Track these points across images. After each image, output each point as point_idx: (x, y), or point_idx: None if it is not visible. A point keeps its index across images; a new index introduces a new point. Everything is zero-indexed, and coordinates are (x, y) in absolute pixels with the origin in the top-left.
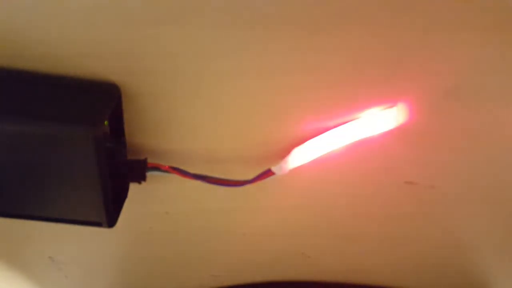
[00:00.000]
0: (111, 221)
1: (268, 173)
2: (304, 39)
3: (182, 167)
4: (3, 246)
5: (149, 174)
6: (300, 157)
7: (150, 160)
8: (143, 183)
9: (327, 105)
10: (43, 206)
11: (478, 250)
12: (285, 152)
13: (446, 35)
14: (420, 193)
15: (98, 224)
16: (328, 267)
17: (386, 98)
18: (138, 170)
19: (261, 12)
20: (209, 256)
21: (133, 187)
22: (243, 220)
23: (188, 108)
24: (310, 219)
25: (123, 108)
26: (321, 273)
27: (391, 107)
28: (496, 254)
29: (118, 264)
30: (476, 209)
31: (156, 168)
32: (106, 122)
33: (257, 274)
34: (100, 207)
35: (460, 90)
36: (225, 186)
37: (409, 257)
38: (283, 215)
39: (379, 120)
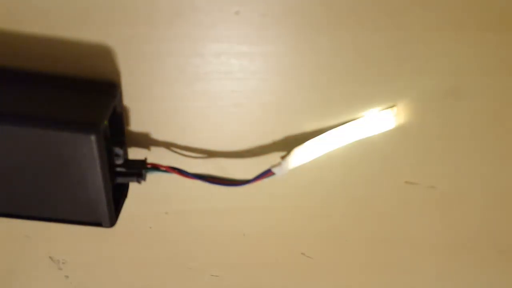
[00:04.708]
0: (111, 221)
1: (268, 173)
2: (303, 39)
3: (181, 167)
4: (3, 246)
5: (148, 174)
6: (300, 157)
7: (150, 160)
8: (143, 183)
9: (327, 105)
10: (43, 206)
11: (479, 251)
12: (285, 152)
13: (446, 35)
14: (420, 193)
15: (98, 224)
16: (328, 267)
17: (386, 98)
18: (138, 170)
19: (260, 13)
20: (209, 256)
21: (133, 187)
22: (243, 220)
23: (188, 108)
24: (310, 219)
25: (123, 108)
26: (321, 273)
27: (391, 107)
28: (496, 255)
29: (118, 264)
30: (476, 209)
31: (156, 168)
32: (106, 122)
33: (257, 274)
34: (100, 207)
35: (460, 90)
36: (225, 186)
37: (409, 258)
38: (283, 215)
39: (379, 120)
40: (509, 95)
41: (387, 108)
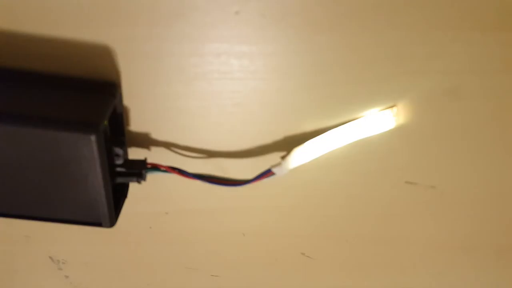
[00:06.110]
0: (111, 221)
1: (268, 173)
2: (303, 39)
3: (181, 167)
4: (3, 246)
5: (148, 174)
6: (300, 157)
7: (150, 160)
8: (143, 183)
9: (327, 105)
10: (43, 206)
11: (478, 251)
12: (285, 152)
13: (446, 34)
14: (420, 193)
15: (98, 224)
16: (328, 267)
17: (386, 98)
18: (138, 170)
19: (260, 13)
20: (209, 256)
21: (133, 187)
22: (243, 220)
23: (188, 108)
24: (310, 219)
25: (123, 108)
26: (321, 273)
27: (391, 107)
28: (495, 255)
29: (118, 264)
30: (476, 209)
31: (156, 168)
32: (106, 122)
33: (257, 274)
34: (100, 207)
35: (460, 90)
36: (225, 186)
37: (409, 258)
38: (282, 215)
39: (379, 120)
40: (508, 95)
41: (387, 108)
